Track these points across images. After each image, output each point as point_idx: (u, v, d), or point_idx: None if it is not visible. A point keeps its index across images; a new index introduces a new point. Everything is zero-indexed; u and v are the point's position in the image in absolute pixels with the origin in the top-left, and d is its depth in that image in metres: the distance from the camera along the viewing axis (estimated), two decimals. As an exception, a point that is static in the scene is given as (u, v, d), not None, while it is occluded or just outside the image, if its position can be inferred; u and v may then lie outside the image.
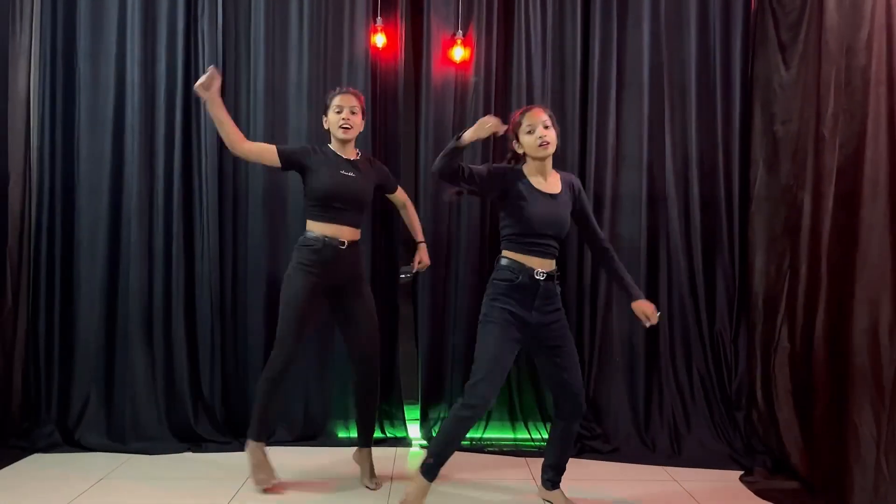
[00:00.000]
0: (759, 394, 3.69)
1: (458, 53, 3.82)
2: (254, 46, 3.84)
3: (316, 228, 3.12)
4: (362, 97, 3.24)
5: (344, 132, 3.13)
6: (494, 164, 2.97)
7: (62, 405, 3.78)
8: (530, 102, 3.85)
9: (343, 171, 3.11)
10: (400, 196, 3.48)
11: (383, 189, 3.38)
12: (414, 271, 3.57)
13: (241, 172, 3.87)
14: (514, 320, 2.77)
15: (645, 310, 2.91)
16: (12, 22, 3.66)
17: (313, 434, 3.86)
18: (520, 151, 2.89)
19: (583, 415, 2.99)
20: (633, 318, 3.68)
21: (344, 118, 3.11)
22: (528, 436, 3.90)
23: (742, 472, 3.50)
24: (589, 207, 3.01)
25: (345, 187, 3.10)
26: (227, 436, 3.78)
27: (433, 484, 2.81)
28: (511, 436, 3.91)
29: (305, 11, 3.83)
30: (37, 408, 3.77)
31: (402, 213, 3.54)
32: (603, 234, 3.05)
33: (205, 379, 3.81)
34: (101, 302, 3.78)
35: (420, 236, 3.53)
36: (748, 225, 3.85)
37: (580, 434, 3.72)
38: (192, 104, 3.80)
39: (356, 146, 3.28)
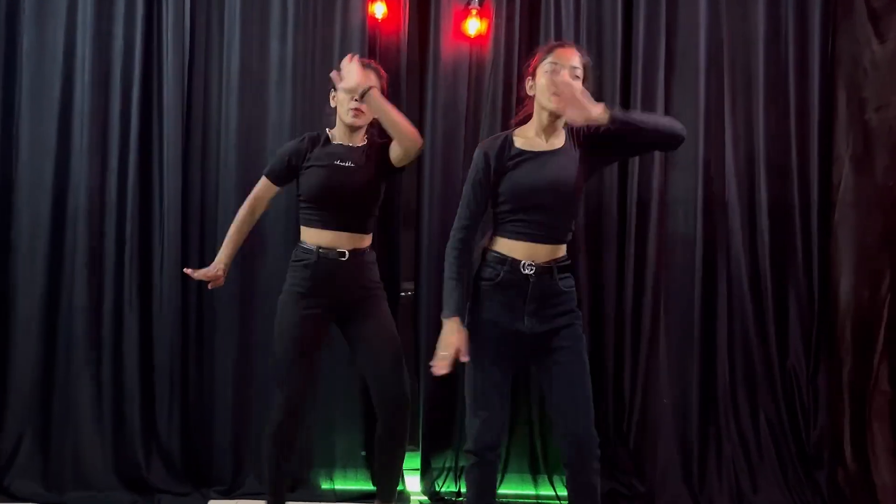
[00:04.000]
0: (847, 449, 3.35)
1: (473, 26, 3.46)
2: (228, 19, 3.47)
3: (309, 237, 2.73)
4: (385, 75, 2.86)
5: (354, 116, 2.72)
6: (475, 163, 2.39)
7: None
8: None
9: (339, 162, 2.71)
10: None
11: (385, 156, 2.77)
12: None
13: (209, 169, 3.51)
14: (503, 334, 2.32)
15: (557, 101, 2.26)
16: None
17: (291, 485, 3.39)
18: (530, 94, 2.40)
19: (590, 464, 2.33)
20: (686, 350, 3.45)
21: (356, 100, 2.67)
22: (552, 492, 3.50)
23: (825, 548, 3.20)
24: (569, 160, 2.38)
25: (339, 181, 2.69)
26: (186, 485, 3.40)
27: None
28: (532, 492, 3.53)
29: (290, -24, 3.49)
30: None
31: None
32: None
33: (161, 416, 3.45)
34: (40, 320, 3.41)
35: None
36: (830, 237, 3.53)
37: (616, 492, 3.40)
38: (152, 85, 3.45)
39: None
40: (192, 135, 3.49)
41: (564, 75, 2.25)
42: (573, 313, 2.35)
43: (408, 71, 3.50)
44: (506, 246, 2.31)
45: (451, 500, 3.42)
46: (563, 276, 2.33)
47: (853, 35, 3.41)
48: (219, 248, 3.06)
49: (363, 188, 2.72)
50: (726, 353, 3.49)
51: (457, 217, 2.39)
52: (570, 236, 2.39)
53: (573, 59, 2.31)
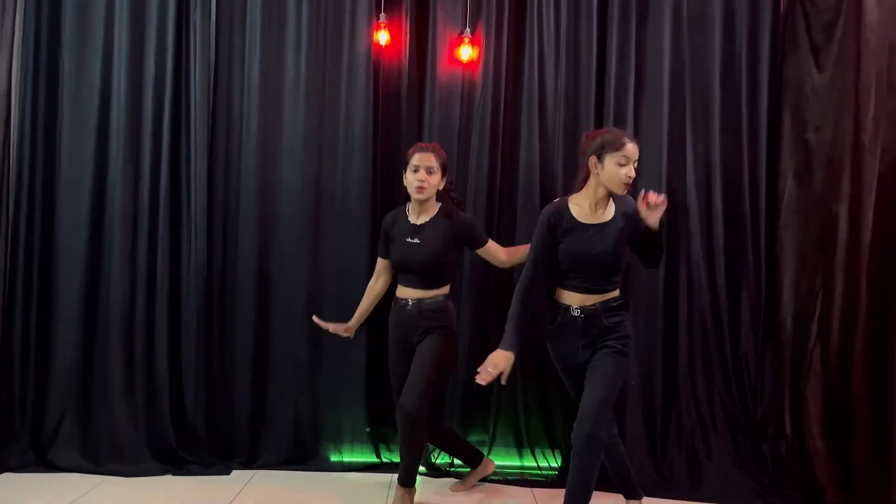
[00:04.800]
0: (788, 422, 3.50)
1: (466, 53, 3.67)
2: (249, 43, 3.70)
3: (397, 291, 3.23)
4: (443, 154, 3.20)
5: (419, 192, 3.09)
6: (540, 224, 2.80)
7: (35, 422, 3.60)
8: (542, 107, 3.74)
9: (409, 239, 3.14)
10: (491, 250, 3.22)
11: (468, 245, 3.22)
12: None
13: (232, 175, 3.73)
14: (568, 361, 2.80)
15: (645, 207, 2.65)
16: (-6, 9, 3.53)
17: (304, 457, 3.67)
18: (594, 172, 2.73)
19: (582, 446, 2.61)
20: (651, 337, 3.67)
21: (420, 179, 3.08)
22: (535, 464, 3.71)
23: (769, 509, 3.27)
24: (614, 233, 2.79)
25: (410, 257, 3.13)
26: (211, 457, 3.60)
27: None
28: (517, 463, 3.72)
29: (304, 6, 3.67)
30: (9, 424, 3.60)
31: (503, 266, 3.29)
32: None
33: (188, 396, 3.63)
34: (80, 310, 3.62)
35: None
36: (776, 240, 3.67)
37: None
38: (181, 103, 3.67)
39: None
40: (217, 145, 3.69)
41: (659, 200, 2.62)
42: (620, 337, 2.73)
43: (408, 91, 3.69)
44: (563, 295, 2.75)
45: (445, 470, 3.62)
46: (608, 315, 2.72)
47: (797, 65, 3.56)
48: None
49: (426, 261, 3.09)
50: (686, 341, 3.66)
51: (524, 269, 2.81)
52: (616, 284, 2.78)
53: (636, 154, 2.68)
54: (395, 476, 3.27)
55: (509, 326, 2.73)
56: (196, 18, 3.63)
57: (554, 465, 3.67)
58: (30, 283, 3.63)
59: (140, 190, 3.63)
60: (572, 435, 2.64)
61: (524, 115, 3.72)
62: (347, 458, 3.66)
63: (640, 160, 3.56)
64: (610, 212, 2.75)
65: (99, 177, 3.64)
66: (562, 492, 2.71)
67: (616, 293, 2.79)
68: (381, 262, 3.31)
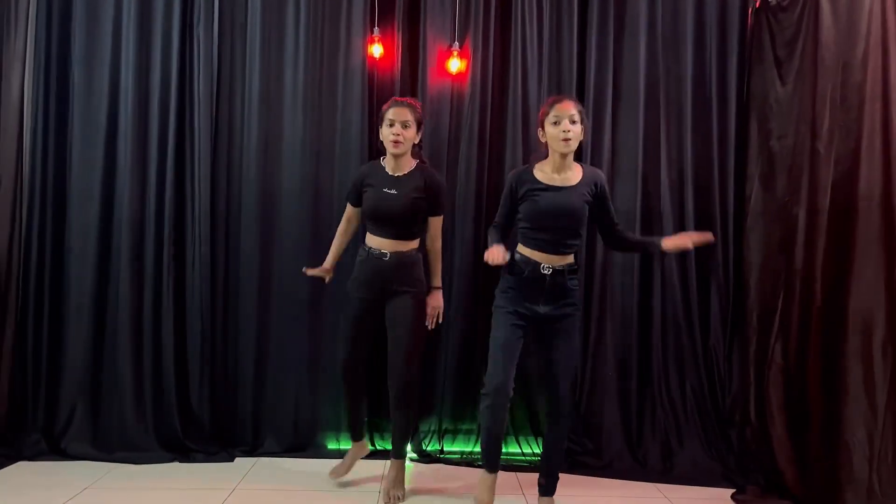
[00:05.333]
0: (752, 410, 3.65)
1: (455, 65, 3.82)
2: (249, 55, 3.84)
3: (366, 240, 3.24)
4: (419, 107, 3.22)
5: (395, 146, 3.10)
6: (508, 181, 3.01)
7: (49, 413, 3.74)
8: (526, 115, 3.87)
9: (386, 189, 3.15)
10: (433, 226, 3.28)
11: (428, 206, 3.22)
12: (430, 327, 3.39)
13: (234, 181, 3.87)
14: (521, 308, 2.87)
15: (678, 243, 2.91)
16: (7, 25, 3.65)
17: (303, 445, 3.83)
18: (543, 140, 2.92)
19: (562, 420, 2.99)
20: (627, 331, 3.80)
21: (395, 133, 3.09)
22: (518, 450, 3.86)
23: (734, 490, 3.47)
24: (609, 206, 3.01)
25: (385, 206, 3.14)
26: (215, 446, 3.75)
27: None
28: (503, 450, 3.68)
29: (302, 20, 3.81)
30: (23, 415, 3.73)
31: (427, 244, 3.34)
32: (618, 222, 3.06)
33: (193, 389, 3.78)
34: (90, 309, 3.75)
35: (437, 280, 3.35)
36: (743, 241, 3.83)
37: (571, 449, 3.70)
38: (185, 112, 3.79)
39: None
40: (219, 152, 3.82)
41: (687, 242, 2.86)
42: (574, 306, 2.95)
43: None
44: (530, 252, 2.89)
45: (435, 456, 3.76)
46: (570, 276, 2.93)
47: (763, 77, 3.69)
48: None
49: (401, 212, 3.12)
50: (659, 334, 3.81)
51: (496, 216, 3.01)
52: (575, 249, 2.96)
53: (570, 109, 2.82)
54: (388, 462, 3.43)
55: (492, 233, 2.93)
56: (199, 32, 3.77)
57: (537, 451, 3.80)
58: (42, 284, 3.76)
59: (147, 195, 3.75)
60: (550, 409, 2.95)
61: (509, 122, 3.86)
62: (346, 445, 3.73)
63: (617, 165, 3.82)
64: (575, 177, 2.90)
65: (108, 183, 3.76)
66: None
67: (573, 259, 2.97)
68: (350, 210, 3.31)
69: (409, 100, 3.22)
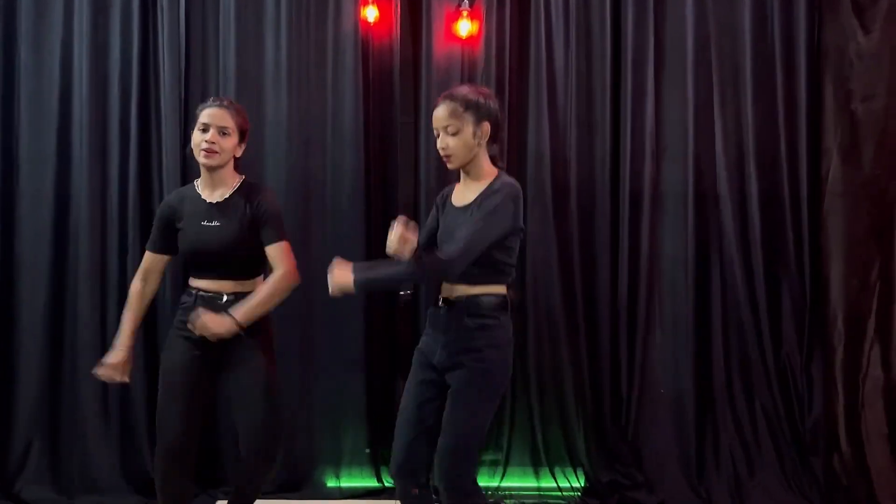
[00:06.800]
0: (842, 435, 3.37)
1: (465, 28, 3.54)
2: (223, 25, 3.57)
3: (191, 282, 2.62)
4: (244, 114, 2.63)
5: (206, 156, 2.51)
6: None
7: (0, 452, 3.50)
8: (551, 86, 3.66)
9: (204, 222, 2.55)
10: (272, 254, 2.54)
11: (259, 234, 2.57)
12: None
13: None
14: (424, 358, 2.38)
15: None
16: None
17: (297, 484, 3.53)
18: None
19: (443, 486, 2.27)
20: (681, 344, 3.51)
21: (209, 140, 2.49)
22: (554, 484, 3.54)
23: (821, 532, 3.26)
24: (465, 220, 2.28)
25: (206, 242, 2.53)
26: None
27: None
28: (534, 485, 3.58)
29: (283, -19, 3.55)
30: None
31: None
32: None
33: None
34: (46, 329, 3.50)
35: (238, 314, 2.47)
36: (820, 228, 3.54)
37: (617, 482, 3.47)
38: (150, 95, 3.57)
39: (243, 172, 2.66)
40: (190, 140, 3.52)
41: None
42: (476, 353, 2.26)
43: (401, 73, 3.57)
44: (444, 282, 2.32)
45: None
46: (478, 312, 2.25)
47: (839, 27, 3.42)
48: None
49: (228, 246, 2.53)
50: (721, 344, 3.52)
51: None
52: (477, 277, 2.26)
53: (438, 116, 2.25)
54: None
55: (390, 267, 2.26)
56: (164, 1, 3.51)
57: (576, 485, 3.53)
58: (-13, 302, 3.52)
59: (108, 193, 3.53)
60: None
61: (531, 97, 3.61)
62: (346, 483, 3.53)
63: (662, 142, 3.53)
64: (473, 195, 2.32)
65: (62, 180, 3.53)
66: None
67: (492, 289, 2.30)
68: (149, 259, 2.64)
69: (228, 100, 2.64)
